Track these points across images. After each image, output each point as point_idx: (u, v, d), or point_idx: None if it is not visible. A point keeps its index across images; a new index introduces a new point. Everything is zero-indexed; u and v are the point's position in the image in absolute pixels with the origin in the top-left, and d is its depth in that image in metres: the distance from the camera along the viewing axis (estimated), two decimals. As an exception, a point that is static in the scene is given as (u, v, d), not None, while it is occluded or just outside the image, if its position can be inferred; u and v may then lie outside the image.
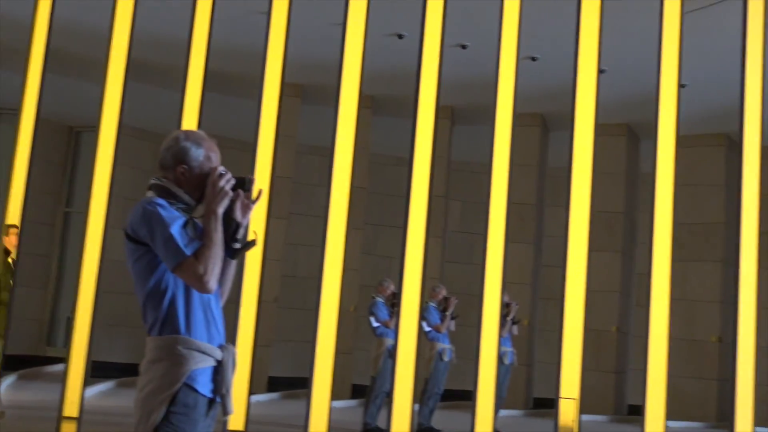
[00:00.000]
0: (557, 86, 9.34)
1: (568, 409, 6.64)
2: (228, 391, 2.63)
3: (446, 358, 8.29)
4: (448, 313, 8.35)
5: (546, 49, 8.87)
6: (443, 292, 8.47)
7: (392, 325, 7.85)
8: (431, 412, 8.30)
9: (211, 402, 2.61)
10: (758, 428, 6.75)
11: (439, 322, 8.30)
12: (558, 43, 8.56)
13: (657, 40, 6.77)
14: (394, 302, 8.02)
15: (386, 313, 8.09)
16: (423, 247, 6.81)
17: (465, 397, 9.96)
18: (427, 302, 8.17)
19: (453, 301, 8.39)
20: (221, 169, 2.67)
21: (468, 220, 12.32)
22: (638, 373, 10.46)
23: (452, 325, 8.46)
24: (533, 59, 8.93)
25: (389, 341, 7.87)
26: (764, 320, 7.31)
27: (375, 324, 8.11)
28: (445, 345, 8.32)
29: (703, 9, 7.59)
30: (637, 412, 9.79)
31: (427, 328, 8.13)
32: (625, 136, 11.60)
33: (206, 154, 2.69)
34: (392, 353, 7.54)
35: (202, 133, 2.78)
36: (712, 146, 11.56)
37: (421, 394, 8.08)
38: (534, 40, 7.17)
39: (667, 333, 6.54)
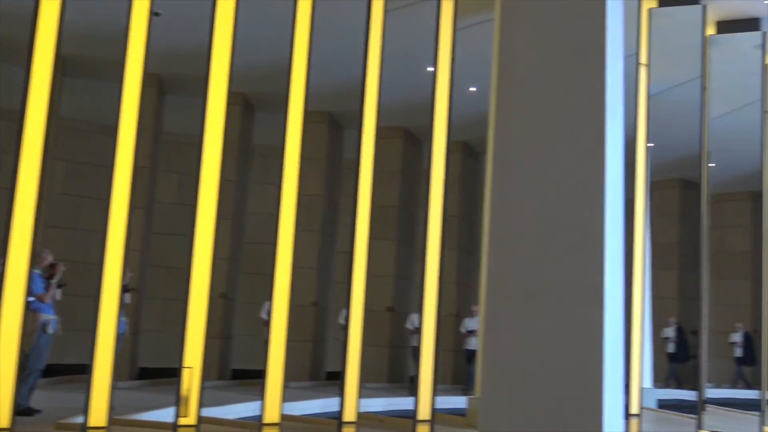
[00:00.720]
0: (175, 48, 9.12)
1: (188, 378, 6.53)
2: None
3: (50, 331, 7.61)
4: (54, 281, 7.66)
5: (170, 6, 8.54)
6: (50, 258, 7.74)
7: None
8: (31, 390, 7.56)
9: None
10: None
11: (43, 291, 7.58)
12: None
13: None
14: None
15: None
16: (33, 212, 6.18)
17: (67, 372, 9.32)
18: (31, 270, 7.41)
19: (60, 268, 7.72)
20: None
21: (73, 181, 11.43)
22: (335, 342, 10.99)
23: (58, 294, 7.79)
24: (156, 14, 8.53)
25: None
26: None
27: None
28: (49, 316, 7.62)
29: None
30: (334, 377, 10.25)
31: (29, 298, 7.36)
32: (326, 124, 12.06)
33: None
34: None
35: None
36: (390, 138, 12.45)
37: (19, 371, 7.31)
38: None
39: (363, 305, 6.89)
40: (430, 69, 7.93)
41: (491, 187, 4.60)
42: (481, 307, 7.87)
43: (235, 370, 11.43)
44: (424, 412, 7.18)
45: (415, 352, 11.19)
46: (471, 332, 11.62)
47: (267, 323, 8.66)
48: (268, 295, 6.94)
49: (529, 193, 4.25)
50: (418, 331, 10.85)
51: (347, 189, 11.31)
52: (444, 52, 7.40)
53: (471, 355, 11.33)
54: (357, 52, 7.38)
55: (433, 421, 7.12)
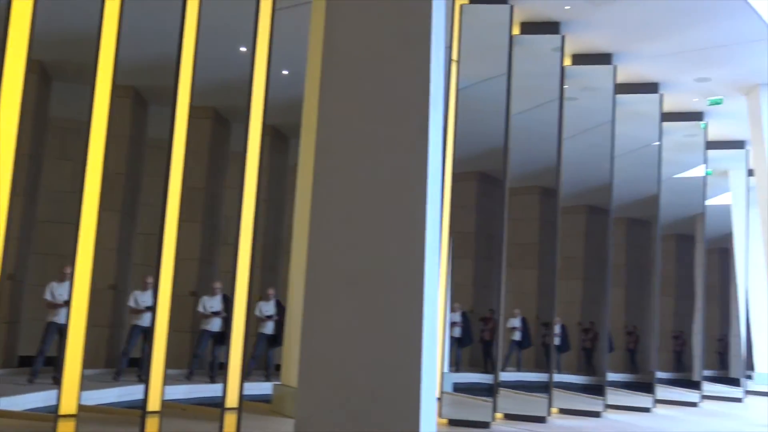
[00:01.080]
0: None
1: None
2: None
3: None
4: None
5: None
6: None
7: None
8: None
9: None
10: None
11: None
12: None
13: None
14: None
15: None
16: None
17: None
18: None
19: None
20: None
21: None
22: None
23: None
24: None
25: None
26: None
27: None
28: None
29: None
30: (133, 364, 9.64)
31: None
32: (131, 99, 11.25)
33: None
34: None
35: None
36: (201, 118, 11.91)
37: None
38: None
39: (171, 289, 6.59)
40: (243, 49, 7.74)
41: (314, 172, 4.56)
42: (293, 292, 7.83)
43: (23, 356, 10.66)
44: (231, 400, 7.04)
45: (202, 336, 10.98)
46: (269, 317, 11.57)
47: (51, 305, 8.18)
48: (60, 276, 6.53)
49: (352, 180, 4.25)
50: (213, 315, 10.67)
51: (150, 168, 10.86)
52: (263, 33, 7.26)
53: (267, 339, 11.29)
54: (168, 26, 7.07)
55: (240, 409, 6.99)
